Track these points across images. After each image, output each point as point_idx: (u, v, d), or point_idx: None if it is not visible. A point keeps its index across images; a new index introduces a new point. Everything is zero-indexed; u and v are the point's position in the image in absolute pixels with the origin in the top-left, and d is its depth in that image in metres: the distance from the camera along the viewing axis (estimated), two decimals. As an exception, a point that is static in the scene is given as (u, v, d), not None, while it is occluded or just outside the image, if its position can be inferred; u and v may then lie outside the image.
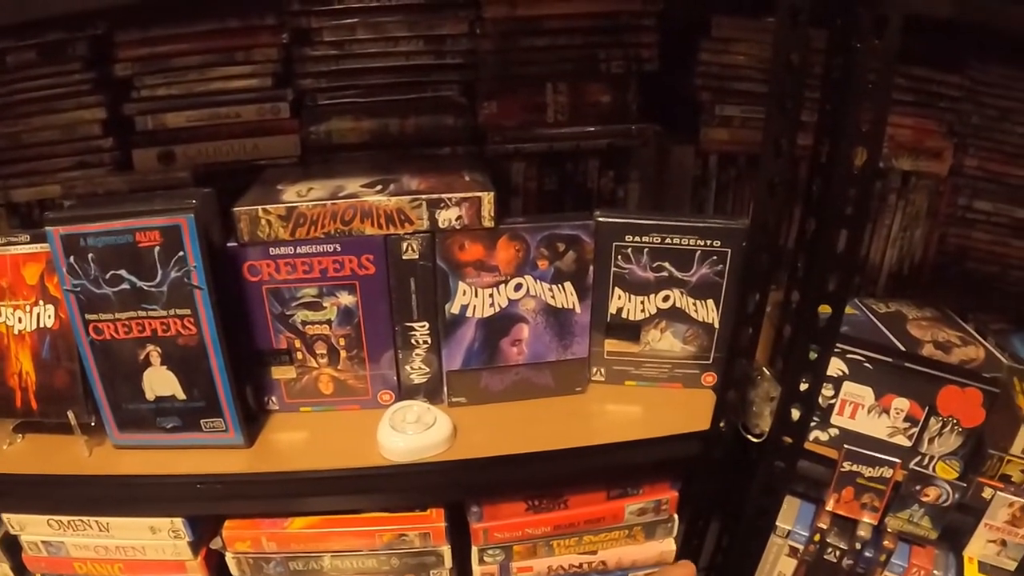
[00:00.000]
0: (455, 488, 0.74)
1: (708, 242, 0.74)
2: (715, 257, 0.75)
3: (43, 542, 0.83)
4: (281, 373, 0.76)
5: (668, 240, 0.75)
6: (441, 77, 0.82)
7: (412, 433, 0.72)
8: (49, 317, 0.76)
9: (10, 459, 0.81)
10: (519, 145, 0.83)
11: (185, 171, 0.78)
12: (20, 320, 0.77)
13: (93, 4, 0.78)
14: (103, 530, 0.80)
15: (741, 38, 0.85)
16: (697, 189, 0.87)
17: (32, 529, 0.82)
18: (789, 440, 0.77)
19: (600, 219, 0.73)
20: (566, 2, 0.80)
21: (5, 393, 0.79)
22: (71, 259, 0.70)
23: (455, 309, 0.73)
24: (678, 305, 0.77)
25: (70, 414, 0.76)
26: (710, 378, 0.79)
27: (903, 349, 0.78)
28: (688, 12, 0.84)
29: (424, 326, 0.73)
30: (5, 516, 0.83)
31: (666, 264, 0.75)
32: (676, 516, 0.82)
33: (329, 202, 0.69)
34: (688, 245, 0.75)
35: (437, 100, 0.83)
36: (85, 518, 0.80)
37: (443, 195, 0.69)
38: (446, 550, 0.77)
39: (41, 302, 0.76)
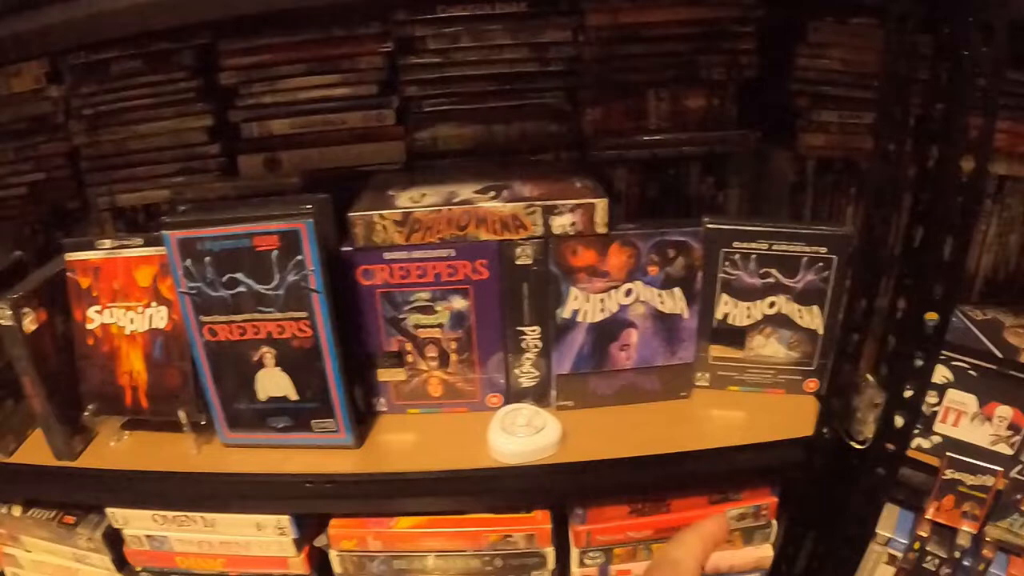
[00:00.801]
0: (562, 491, 0.75)
1: (815, 248, 0.74)
2: (821, 263, 0.74)
3: (146, 536, 0.85)
4: (391, 375, 0.76)
5: (775, 246, 0.74)
6: (545, 84, 0.82)
7: (523, 436, 0.72)
8: (162, 318, 0.77)
9: (118, 456, 0.83)
10: (622, 151, 0.83)
11: (293, 177, 0.79)
12: (132, 321, 0.79)
13: (195, 16, 0.78)
14: (208, 526, 0.81)
15: (837, 43, 0.84)
16: (794, 194, 0.86)
17: (136, 523, 0.84)
18: (892, 447, 0.76)
19: (709, 225, 0.73)
20: (667, 9, 0.80)
21: (115, 392, 0.81)
22: (187, 262, 0.71)
23: (566, 314, 0.73)
24: (783, 311, 0.76)
25: (181, 413, 0.78)
26: (812, 384, 0.79)
27: (1004, 357, 0.77)
28: (785, 17, 0.82)
29: (535, 330, 0.73)
30: (108, 511, 0.84)
31: (773, 270, 0.75)
32: (774, 522, 0.81)
33: (444, 208, 0.69)
34: (795, 251, 0.74)
35: (541, 106, 0.83)
36: (191, 514, 0.81)
37: (557, 201, 0.69)
38: (550, 552, 0.77)
39: (154, 304, 0.77)
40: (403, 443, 0.76)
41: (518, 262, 0.71)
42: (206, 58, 0.84)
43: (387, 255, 0.71)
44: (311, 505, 0.77)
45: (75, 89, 0.86)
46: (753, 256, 0.75)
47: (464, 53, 0.81)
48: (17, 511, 0.91)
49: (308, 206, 0.68)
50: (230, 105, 0.85)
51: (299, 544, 0.81)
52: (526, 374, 0.76)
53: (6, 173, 0.91)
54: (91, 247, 0.79)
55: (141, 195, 0.88)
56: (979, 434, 0.75)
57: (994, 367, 0.74)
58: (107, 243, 0.78)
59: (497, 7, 0.79)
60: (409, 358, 0.76)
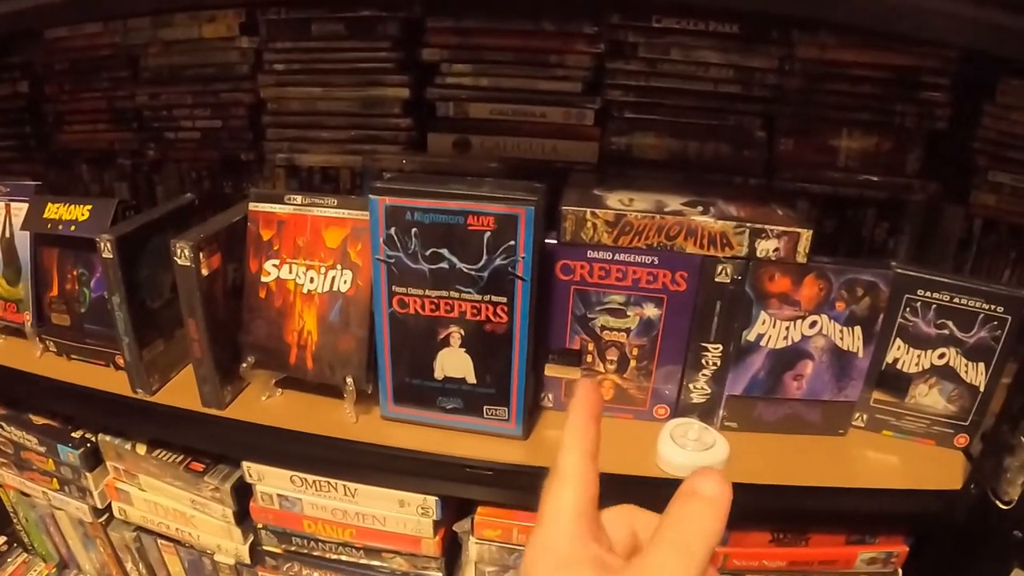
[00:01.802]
0: (720, 510, 0.74)
1: (992, 307, 0.75)
2: (996, 322, 0.75)
3: (279, 495, 0.84)
4: (565, 372, 0.76)
5: (956, 299, 0.75)
6: (745, 108, 0.83)
7: (692, 450, 0.72)
8: (345, 282, 0.77)
9: (267, 411, 0.83)
10: (807, 184, 0.84)
11: (481, 161, 0.78)
12: (312, 280, 0.78)
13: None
14: (349, 495, 0.81)
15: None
16: (960, 250, 0.86)
17: (271, 481, 0.84)
18: (1035, 512, 0.76)
19: (898, 270, 0.73)
20: (872, 51, 0.81)
21: (280, 348, 0.80)
22: (392, 230, 0.70)
23: (751, 337, 0.73)
24: (951, 364, 0.77)
25: (348, 379, 0.77)
26: (963, 440, 0.79)
27: None
28: (979, 74, 0.83)
29: (718, 348, 0.74)
30: (245, 464, 0.83)
31: (949, 322, 0.76)
32: (901, 571, 0.81)
33: (658, 215, 0.69)
34: (973, 307, 0.75)
35: (738, 130, 0.83)
36: (334, 480, 0.81)
37: (766, 225, 0.69)
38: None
39: (339, 267, 0.77)
40: (568, 440, 0.76)
41: (717, 279, 0.71)
42: (411, 31, 0.83)
43: (591, 253, 0.71)
44: (465, 490, 0.77)
45: (269, 43, 0.86)
46: (934, 306, 0.76)
47: (672, 66, 0.81)
48: (142, 449, 0.91)
49: (530, 193, 0.67)
50: (428, 82, 0.85)
51: (437, 527, 0.81)
52: (699, 390, 0.76)
53: (182, 116, 0.91)
54: (279, 200, 0.78)
55: (321, 157, 0.88)
56: (1121, 508, 0.75)
57: None
58: (297, 199, 0.78)
59: (711, 26, 0.79)
60: (588, 358, 0.76)
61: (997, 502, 0.78)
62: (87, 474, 0.95)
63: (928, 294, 0.76)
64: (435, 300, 0.72)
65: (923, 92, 0.83)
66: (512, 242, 0.68)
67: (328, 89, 0.85)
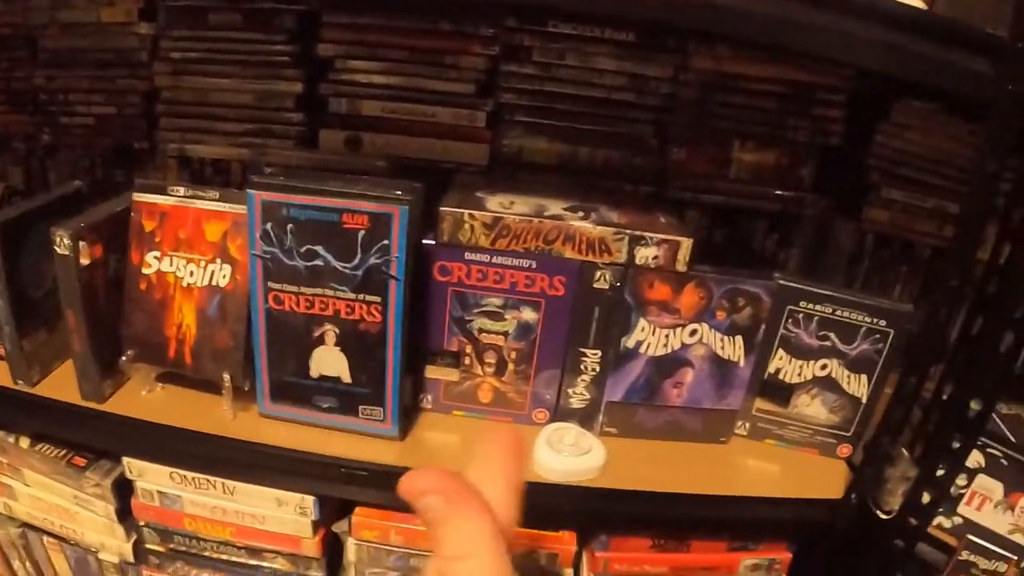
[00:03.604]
0: (596, 515, 0.74)
1: (875, 320, 0.75)
2: (878, 335, 0.76)
3: (159, 492, 0.82)
4: (443, 374, 0.75)
5: (838, 312, 0.75)
6: (638, 116, 0.83)
7: (568, 455, 0.72)
8: (224, 277, 0.75)
9: (147, 406, 0.80)
10: (698, 194, 0.83)
11: (371, 159, 0.77)
12: (192, 274, 0.76)
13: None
14: (227, 493, 0.79)
15: (918, 126, 0.85)
16: (851, 265, 0.87)
17: (151, 478, 0.81)
18: (914, 521, 0.77)
19: (780, 282, 0.73)
20: (768, 66, 0.81)
21: (159, 341, 0.78)
22: (268, 226, 0.69)
23: (630, 343, 0.72)
24: (833, 375, 0.78)
25: (225, 375, 0.75)
26: (846, 450, 0.80)
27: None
28: (873, 91, 0.83)
29: (596, 354, 0.73)
30: (125, 460, 0.81)
31: (831, 334, 0.76)
32: (785, 577, 0.81)
33: (536, 219, 0.68)
34: (855, 320, 0.76)
35: (629, 137, 0.83)
36: (212, 478, 0.79)
37: (645, 233, 0.69)
38: (568, 573, 0.76)
39: (219, 261, 0.75)
40: (446, 442, 0.75)
41: (595, 285, 0.71)
42: (307, 25, 0.81)
43: (468, 255, 0.70)
44: (342, 490, 0.75)
45: (167, 30, 0.84)
46: (816, 318, 0.76)
47: (566, 71, 0.81)
48: (25, 443, 0.87)
49: (408, 193, 0.66)
50: (322, 77, 0.83)
51: (316, 527, 0.79)
52: (578, 395, 0.76)
53: (77, 101, 0.88)
54: (162, 191, 0.76)
55: (212, 149, 0.85)
56: (1000, 521, 0.77)
57: (1026, 459, 0.75)
58: (180, 190, 0.75)
59: (607, 33, 0.78)
60: (466, 360, 0.74)
61: (878, 512, 0.78)
62: (-30, 468, 0.91)
63: (810, 306, 0.76)
64: (310, 298, 0.70)
65: (818, 108, 0.83)
66: (386, 241, 0.66)
67: (222, 80, 0.83)
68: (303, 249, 0.68)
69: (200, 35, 0.82)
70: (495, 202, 0.72)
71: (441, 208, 0.69)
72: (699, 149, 0.84)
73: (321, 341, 0.71)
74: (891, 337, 0.76)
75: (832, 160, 0.87)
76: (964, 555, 0.76)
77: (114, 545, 0.88)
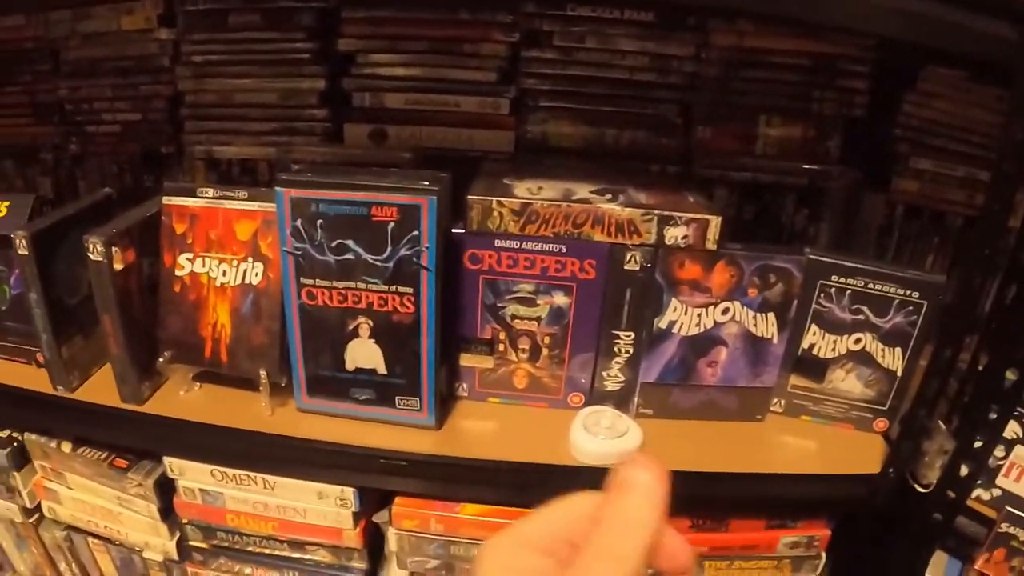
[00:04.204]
0: (635, 498, 0.73)
1: (908, 292, 0.74)
2: (911, 308, 0.75)
3: (201, 490, 0.83)
4: (478, 362, 0.76)
5: (871, 285, 0.74)
6: (661, 95, 0.82)
7: (604, 438, 0.72)
8: (257, 275, 0.76)
9: (186, 406, 0.81)
10: (725, 172, 0.83)
11: (397, 151, 0.77)
12: (224, 273, 0.77)
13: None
14: (268, 488, 0.80)
15: (944, 94, 0.84)
16: (881, 237, 0.86)
17: (192, 476, 0.82)
18: (953, 495, 0.76)
19: (811, 256, 0.73)
20: (790, 39, 0.80)
21: (195, 342, 0.79)
22: (298, 222, 0.69)
23: (663, 324, 0.72)
24: (867, 349, 0.77)
25: (262, 372, 0.76)
26: (882, 424, 0.79)
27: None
28: (900, 61, 0.82)
29: (630, 336, 0.73)
30: (166, 459, 0.82)
31: (864, 308, 0.75)
32: (824, 554, 0.81)
33: (564, 204, 0.68)
34: (888, 292, 0.75)
35: (653, 117, 0.83)
36: (253, 474, 0.80)
37: (674, 213, 0.68)
38: (609, 556, 0.76)
39: (251, 259, 0.76)
40: (483, 430, 0.76)
41: (626, 267, 0.70)
42: (327, 21, 0.82)
43: (498, 242, 0.70)
44: (381, 480, 0.76)
45: (187, 35, 0.84)
46: (848, 292, 0.75)
47: (587, 54, 0.81)
48: (67, 447, 0.89)
49: (435, 184, 0.66)
50: (344, 72, 0.83)
51: (357, 518, 0.80)
52: (612, 378, 0.76)
53: (102, 109, 0.89)
54: (192, 194, 0.77)
55: (239, 149, 0.86)
56: (1040, 493, 0.75)
57: (1064, 429, 0.74)
58: (209, 192, 0.76)
59: (626, 13, 0.78)
60: (500, 347, 0.75)
61: (916, 485, 0.77)
62: (15, 474, 0.93)
63: (842, 280, 0.75)
64: (342, 291, 0.70)
65: (842, 80, 0.82)
66: (416, 232, 0.67)
67: (245, 80, 0.84)
68: (334, 243, 0.69)
69: (220, 37, 0.83)
70: (522, 188, 0.72)
71: (469, 196, 0.69)
72: (724, 126, 0.83)
73: (355, 334, 0.72)
74: (924, 309, 0.75)
75: (859, 132, 0.86)
76: (1003, 527, 0.75)
77: (158, 544, 0.90)
